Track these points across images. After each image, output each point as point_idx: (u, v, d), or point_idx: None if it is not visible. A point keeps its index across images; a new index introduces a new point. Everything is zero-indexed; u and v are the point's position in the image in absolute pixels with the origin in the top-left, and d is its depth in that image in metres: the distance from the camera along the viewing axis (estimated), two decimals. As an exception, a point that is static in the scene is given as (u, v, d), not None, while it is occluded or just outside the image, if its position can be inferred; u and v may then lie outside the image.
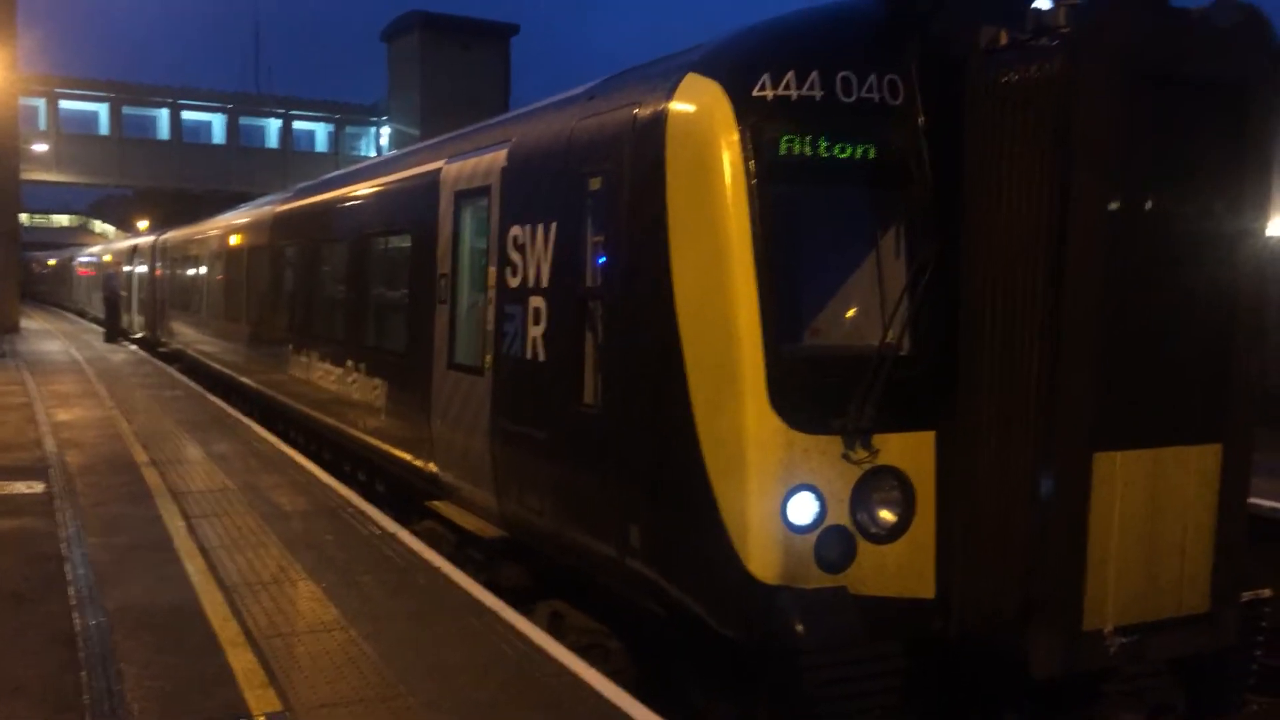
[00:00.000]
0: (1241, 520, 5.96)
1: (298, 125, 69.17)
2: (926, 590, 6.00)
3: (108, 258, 46.16)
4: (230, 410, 17.71)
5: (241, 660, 6.40)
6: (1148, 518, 5.64)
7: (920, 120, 6.10)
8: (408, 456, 10.71)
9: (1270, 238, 6.11)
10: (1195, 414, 5.77)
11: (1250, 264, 5.84)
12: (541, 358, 7.79)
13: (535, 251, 7.92)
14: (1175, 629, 5.74)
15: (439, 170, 10.14)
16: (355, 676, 6.19)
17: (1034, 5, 5.60)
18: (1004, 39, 5.60)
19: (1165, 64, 5.41)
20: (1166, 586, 5.72)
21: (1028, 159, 5.40)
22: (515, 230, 8.26)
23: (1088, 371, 5.35)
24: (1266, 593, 6.26)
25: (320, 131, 70.67)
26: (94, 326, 42.61)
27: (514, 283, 8.24)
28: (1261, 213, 5.88)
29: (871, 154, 6.05)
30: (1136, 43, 5.29)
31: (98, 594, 7.62)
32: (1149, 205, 5.57)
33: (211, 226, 23.56)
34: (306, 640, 6.76)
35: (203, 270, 23.70)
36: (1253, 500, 6.35)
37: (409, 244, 10.99)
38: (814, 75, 5.95)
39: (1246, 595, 6.10)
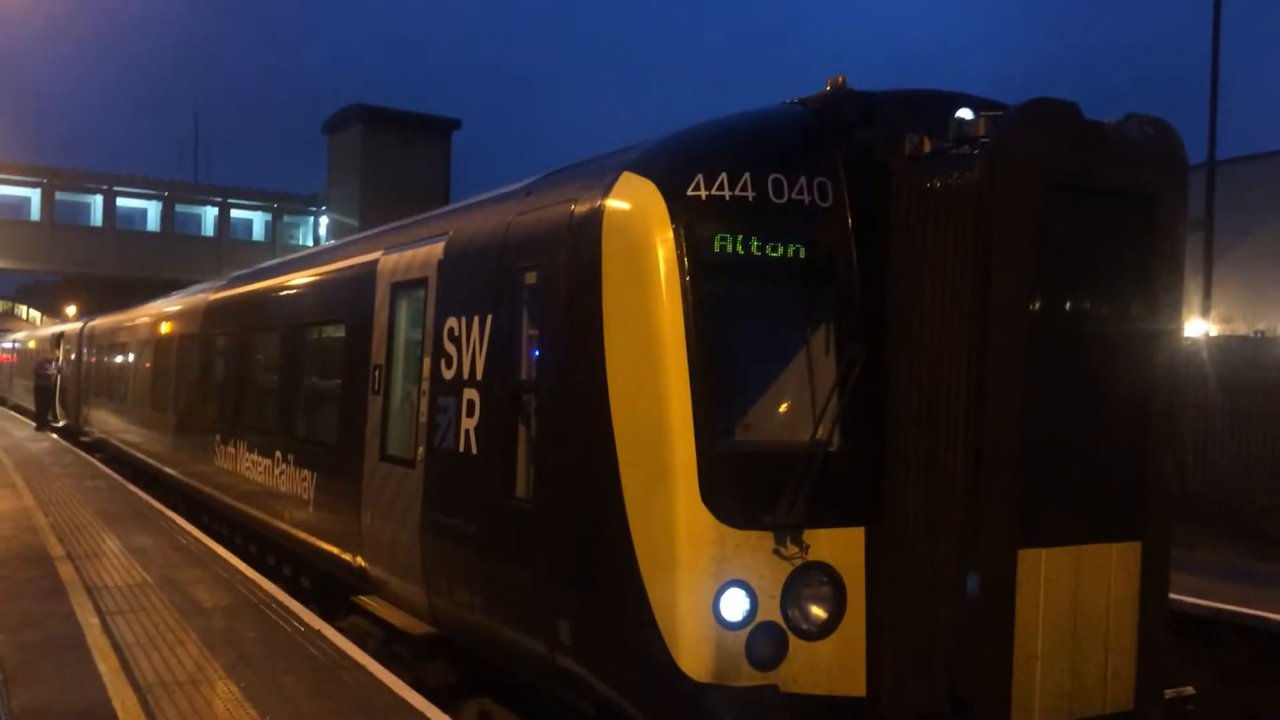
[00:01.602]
0: (1163, 617, 6.05)
1: (235, 214, 68.72)
2: (857, 688, 5.98)
3: (31, 344, 45.12)
4: (153, 502, 17.23)
5: (153, 764, 6.14)
6: (1071, 615, 5.71)
7: (849, 222, 6.27)
8: (336, 550, 10.49)
9: (1184, 339, 6.34)
10: (1115, 512, 5.89)
11: (1165, 364, 6.04)
12: (474, 450, 7.74)
13: (470, 344, 7.93)
14: (1101, 727, 5.77)
15: (376, 261, 10.15)
16: (273, 781, 5.96)
17: (956, 115, 5.85)
18: (927, 146, 5.82)
19: (1080, 173, 5.65)
20: (1092, 684, 5.76)
21: (950, 261, 5.57)
22: (451, 322, 8.27)
23: (1010, 469, 5.45)
24: (1189, 690, 6.33)
25: (258, 220, 70.29)
26: (13, 414, 41.43)
27: (448, 375, 8.22)
28: (1174, 314, 6.10)
29: (802, 254, 6.20)
30: (1052, 152, 5.53)
31: (3, 694, 7.28)
32: (1067, 307, 5.77)
33: (141, 314, 23.21)
34: (223, 743, 6.52)
35: (130, 358, 23.28)
36: (1174, 596, 6.47)
37: (343, 334, 10.93)
38: (746, 176, 6.11)
39: (1170, 692, 6.17)
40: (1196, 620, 11.02)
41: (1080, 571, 5.76)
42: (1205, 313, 25.97)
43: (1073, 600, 5.73)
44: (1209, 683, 8.81)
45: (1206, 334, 23.67)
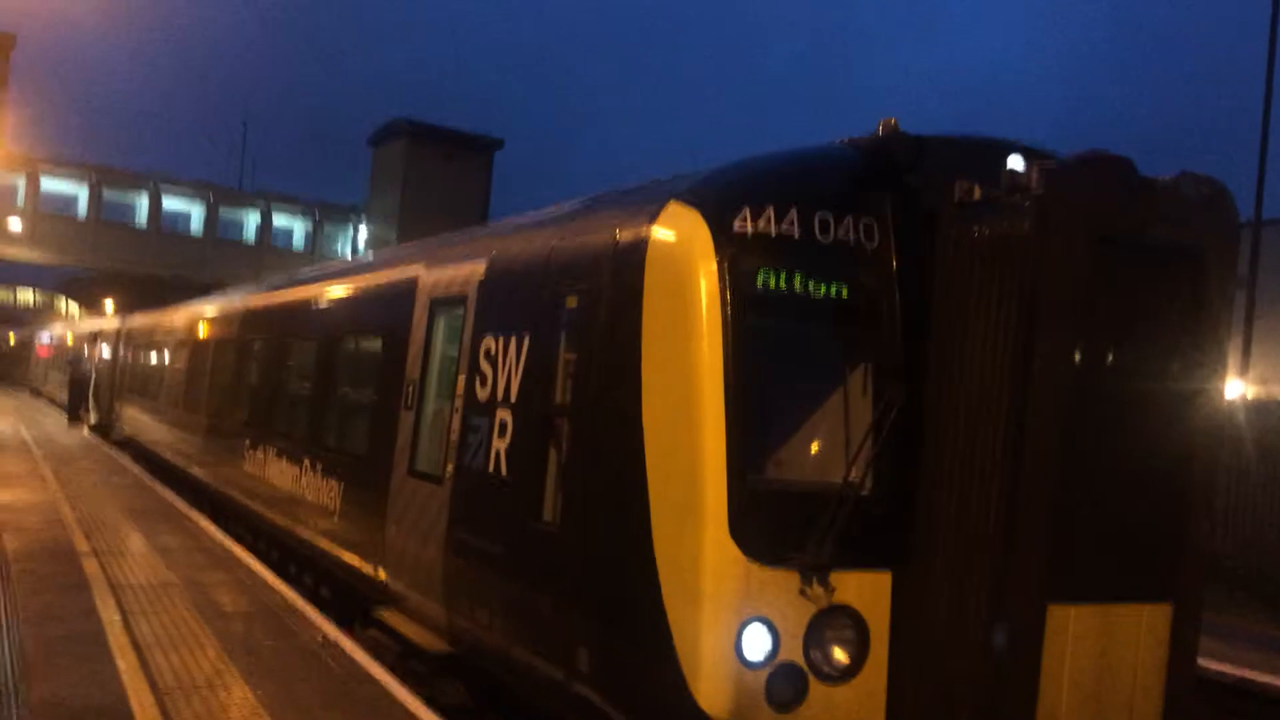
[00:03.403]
0: (1190, 681, 5.95)
1: (277, 221, 69.46)
2: (876, 736, 5.91)
3: (69, 338, 45.67)
4: (178, 503, 17.36)
5: (167, 766, 6.15)
6: (1097, 674, 5.62)
7: (893, 264, 6.25)
8: (357, 562, 10.51)
9: (1224, 400, 6.26)
10: (1148, 572, 5.81)
11: (1204, 424, 5.96)
12: (503, 471, 7.74)
13: (506, 364, 7.95)
14: (1123, 791, 5.66)
15: (416, 277, 10.21)
16: (284, 791, 5.95)
17: (1008, 165, 5.82)
18: (977, 194, 5.79)
19: (1131, 228, 5.61)
20: None
21: (994, 310, 5.53)
22: (488, 342, 8.30)
23: (1044, 523, 5.39)
24: None
25: (298, 229, 70.96)
26: (47, 406, 41.91)
27: (482, 394, 8.24)
28: (1216, 375, 6.03)
29: (844, 293, 6.18)
30: (1104, 207, 5.50)
31: (23, 687, 7.32)
32: (1109, 363, 5.71)
33: (177, 315, 23.43)
34: (237, 749, 6.52)
35: (165, 358, 23.50)
36: (1200, 661, 6.35)
37: (379, 347, 10.99)
38: (793, 213, 6.11)
39: (1195, 760, 6.05)
40: (1221, 686, 10.81)
41: (1109, 631, 5.68)
42: (1243, 373, 25.62)
43: (1100, 659, 5.65)
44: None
45: (1243, 396, 23.35)
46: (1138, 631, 5.78)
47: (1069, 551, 5.48)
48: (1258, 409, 19.79)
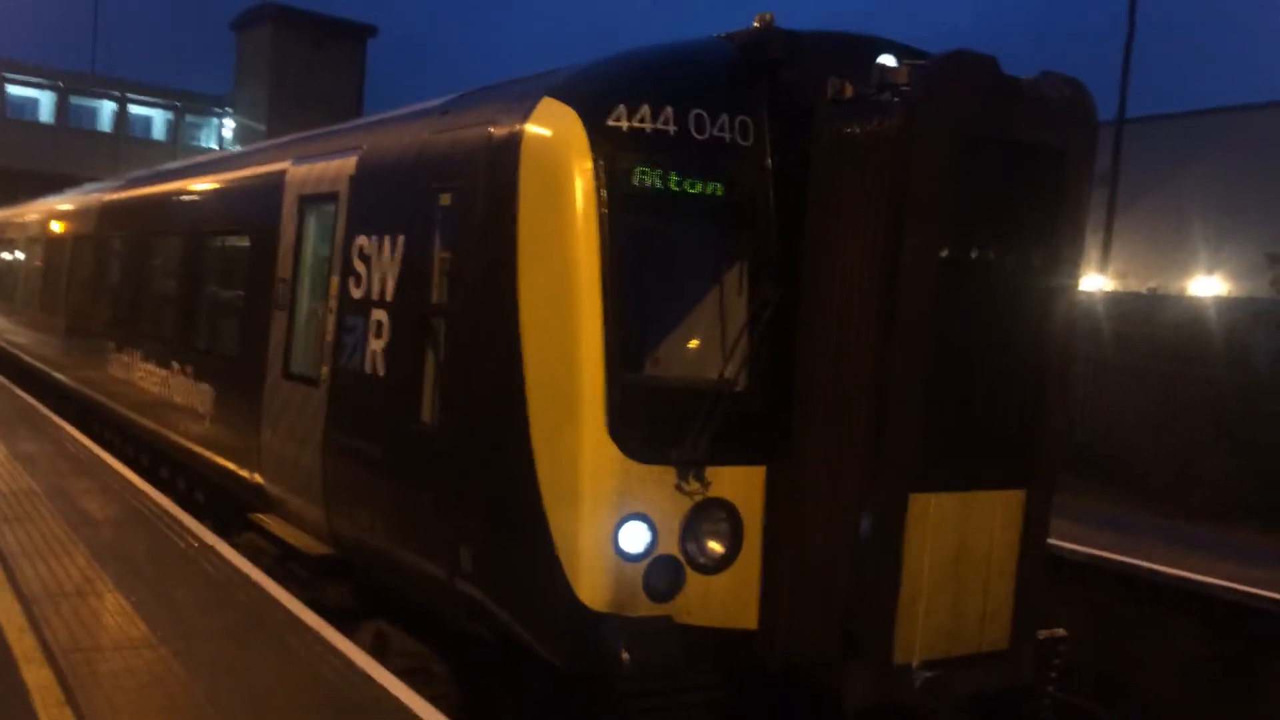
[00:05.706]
0: (1041, 562, 6.31)
1: (134, 110, 65.80)
2: (749, 621, 6.13)
3: None
4: (40, 407, 16.70)
5: (37, 676, 6.02)
6: (955, 558, 5.91)
7: (768, 162, 6.27)
8: (233, 466, 10.32)
9: (1081, 294, 6.52)
10: (1003, 460, 6.08)
11: (1062, 318, 6.21)
12: (380, 372, 7.64)
13: (380, 263, 7.78)
14: (977, 665, 6.02)
15: (284, 171, 9.86)
16: (161, 697, 5.90)
17: (879, 62, 5.86)
18: (849, 91, 5.83)
19: (995, 127, 5.73)
20: (971, 624, 6.00)
21: (865, 206, 5.63)
22: (361, 240, 8.10)
23: (913, 416, 5.58)
24: (1061, 632, 6.64)
25: (159, 118, 67.39)
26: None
27: (357, 294, 8.07)
28: (1074, 270, 6.26)
29: (720, 191, 6.19)
30: (971, 105, 5.59)
31: (-123, 601, 7.06)
32: (973, 259, 5.87)
33: (31, 210, 22.24)
34: (111, 657, 6.42)
35: (19, 256, 22.36)
36: (1054, 542, 6.73)
37: (247, 245, 10.63)
38: (668, 110, 6.06)
39: (1043, 634, 6.46)
40: (1074, 565, 11.52)
41: (966, 516, 5.95)
42: (1103, 267, 26.71)
43: (958, 543, 5.93)
44: (1083, 625, 9.24)
45: (1102, 289, 24.39)
46: (993, 517, 6.07)
47: (931, 443, 5.69)
48: (1115, 301, 20.75)
